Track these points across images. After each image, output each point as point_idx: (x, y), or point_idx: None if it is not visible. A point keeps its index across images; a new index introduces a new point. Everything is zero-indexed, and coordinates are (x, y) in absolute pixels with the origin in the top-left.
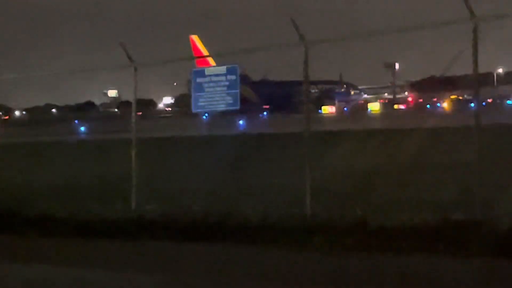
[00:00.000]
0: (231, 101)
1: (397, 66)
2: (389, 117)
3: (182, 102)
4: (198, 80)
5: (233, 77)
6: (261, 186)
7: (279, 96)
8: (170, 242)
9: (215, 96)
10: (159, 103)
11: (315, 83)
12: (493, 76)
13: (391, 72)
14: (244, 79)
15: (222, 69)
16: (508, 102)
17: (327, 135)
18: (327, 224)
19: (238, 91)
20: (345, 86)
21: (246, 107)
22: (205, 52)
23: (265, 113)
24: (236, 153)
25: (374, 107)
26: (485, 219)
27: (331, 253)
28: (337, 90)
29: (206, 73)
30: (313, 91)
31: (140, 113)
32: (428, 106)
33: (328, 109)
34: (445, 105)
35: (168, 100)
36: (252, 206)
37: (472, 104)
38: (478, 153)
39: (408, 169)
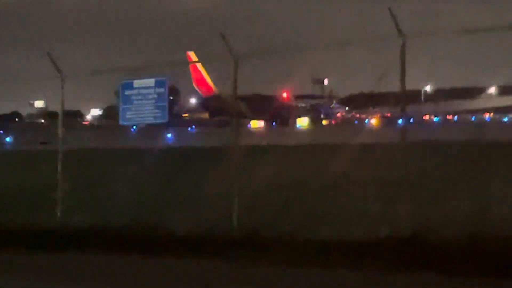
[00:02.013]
0: (159, 114)
1: (326, 81)
2: (317, 132)
3: (111, 114)
4: (127, 92)
5: (162, 90)
6: (189, 198)
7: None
8: (95, 254)
9: (143, 108)
10: (87, 114)
11: (303, 97)
12: (421, 93)
13: (320, 87)
14: (174, 91)
15: (151, 81)
16: (436, 119)
17: (257, 149)
18: (254, 237)
19: (166, 104)
20: (334, 101)
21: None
22: (203, 70)
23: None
24: (165, 165)
25: (303, 122)
26: (411, 234)
27: (254, 266)
28: (323, 104)
29: (135, 85)
30: (303, 105)
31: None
32: (356, 122)
33: (257, 124)
34: (373, 121)
35: (96, 111)
36: (180, 218)
37: (400, 121)
38: (404, 169)
39: (336, 184)
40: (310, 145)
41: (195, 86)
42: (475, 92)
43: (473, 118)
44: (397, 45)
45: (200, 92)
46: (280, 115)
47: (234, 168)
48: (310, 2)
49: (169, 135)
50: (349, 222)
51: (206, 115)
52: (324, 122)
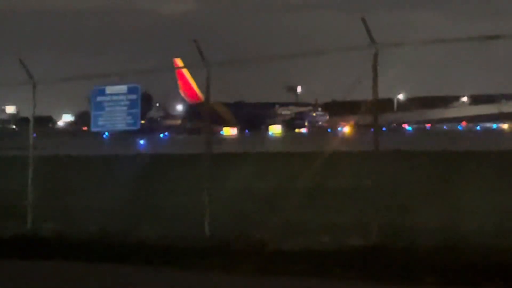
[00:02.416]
0: (131, 121)
1: (299, 89)
2: (289, 140)
3: (83, 120)
4: (99, 98)
5: (134, 96)
6: (161, 206)
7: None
8: (64, 262)
9: (115, 115)
10: (59, 120)
11: (286, 104)
12: (393, 102)
13: (294, 95)
14: (146, 98)
15: (123, 88)
16: (408, 128)
17: (229, 157)
18: (225, 246)
19: (138, 110)
20: (319, 108)
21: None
22: (189, 77)
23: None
24: (137, 173)
25: (276, 130)
26: (381, 243)
27: (225, 274)
28: (307, 112)
29: (107, 91)
30: (288, 112)
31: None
32: (329, 130)
33: (230, 131)
34: (346, 129)
35: (68, 117)
36: (151, 226)
37: (372, 129)
38: (375, 178)
39: (307, 192)
40: (281, 153)
41: (181, 93)
42: (448, 101)
43: (445, 127)
44: (370, 54)
45: (186, 99)
46: (266, 123)
47: (206, 175)
48: (284, 11)
49: (141, 142)
50: (319, 231)
51: (178, 121)
52: (297, 130)
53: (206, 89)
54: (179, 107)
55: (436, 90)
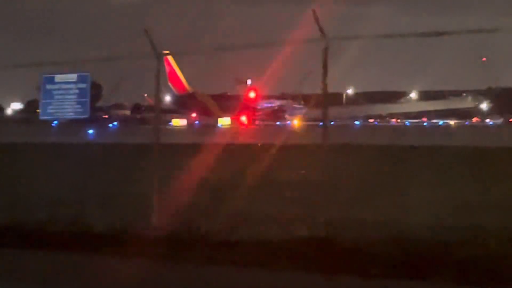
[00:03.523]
0: (80, 110)
1: (248, 82)
2: (239, 132)
3: (32, 108)
4: (48, 86)
5: (84, 85)
6: (109, 195)
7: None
8: (11, 249)
9: (64, 103)
10: (7, 108)
11: (269, 97)
12: (342, 96)
13: (243, 88)
14: (96, 87)
15: (73, 76)
16: (356, 122)
17: (178, 147)
18: (173, 236)
19: (88, 99)
20: (302, 102)
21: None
22: (176, 68)
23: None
24: (86, 161)
25: (225, 121)
26: (329, 236)
27: (172, 264)
28: (292, 105)
29: (56, 80)
30: (272, 105)
31: None
32: (278, 123)
33: (179, 122)
34: (295, 122)
35: (17, 105)
36: (99, 214)
37: (321, 123)
38: (323, 171)
39: (256, 184)
40: (231, 145)
41: (169, 83)
42: (396, 96)
43: (393, 122)
44: (320, 47)
45: (173, 90)
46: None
47: (154, 165)
48: (236, 3)
49: (90, 131)
50: (268, 222)
51: (127, 112)
52: (245, 120)
53: (155, 78)
54: (167, 98)
55: (386, 85)
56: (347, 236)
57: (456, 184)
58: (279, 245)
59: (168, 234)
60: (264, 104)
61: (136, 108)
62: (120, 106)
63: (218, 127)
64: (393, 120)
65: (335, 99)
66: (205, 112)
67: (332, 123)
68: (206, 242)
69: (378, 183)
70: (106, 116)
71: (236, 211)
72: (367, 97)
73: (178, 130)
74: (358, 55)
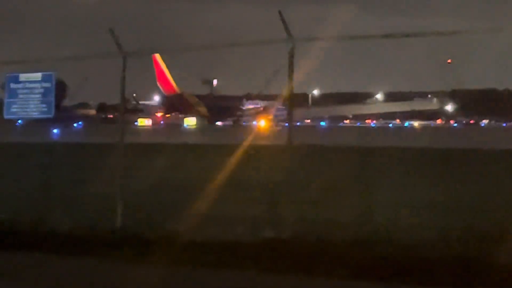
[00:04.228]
0: (45, 109)
1: (215, 82)
2: (206, 132)
3: None
4: (12, 85)
5: (49, 84)
6: (73, 195)
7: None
8: None
9: (29, 103)
10: None
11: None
12: (308, 97)
13: (210, 88)
14: (61, 86)
15: (37, 75)
16: (322, 123)
17: (143, 147)
18: (137, 237)
19: (53, 99)
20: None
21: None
22: (165, 68)
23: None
24: (49, 161)
25: (191, 121)
26: (293, 237)
27: (136, 265)
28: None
29: (20, 79)
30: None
31: None
32: (244, 123)
33: (145, 122)
34: (261, 123)
35: None
36: (62, 215)
37: (287, 124)
38: (289, 172)
39: (221, 185)
40: (196, 145)
41: (158, 84)
42: (362, 97)
43: (358, 123)
44: (287, 48)
45: (162, 90)
46: (234, 115)
47: (118, 165)
48: (203, 3)
49: (55, 131)
50: (233, 223)
51: (93, 111)
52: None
53: (121, 80)
54: (156, 98)
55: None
56: (312, 237)
57: (421, 185)
58: (245, 245)
59: (132, 235)
60: (249, 105)
61: (102, 107)
62: (85, 106)
63: (184, 127)
64: (366, 121)
65: (302, 100)
66: (191, 112)
67: (297, 124)
68: (172, 243)
69: (343, 184)
70: (71, 116)
71: (203, 212)
72: (333, 98)
73: (143, 130)
74: (324, 56)
